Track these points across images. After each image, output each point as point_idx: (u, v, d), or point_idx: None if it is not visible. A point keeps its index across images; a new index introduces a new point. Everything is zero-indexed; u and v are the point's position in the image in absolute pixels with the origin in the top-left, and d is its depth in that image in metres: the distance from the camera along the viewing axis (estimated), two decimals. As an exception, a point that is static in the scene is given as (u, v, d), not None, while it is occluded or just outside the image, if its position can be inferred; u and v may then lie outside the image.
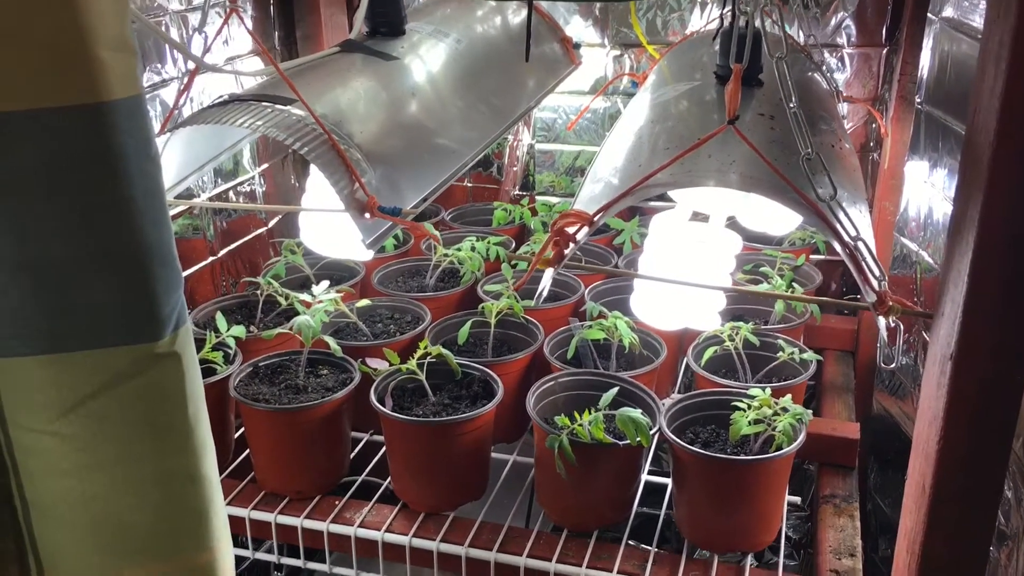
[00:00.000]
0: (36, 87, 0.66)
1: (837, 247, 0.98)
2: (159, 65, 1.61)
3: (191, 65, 1.60)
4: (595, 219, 1.04)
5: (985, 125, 0.73)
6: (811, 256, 1.87)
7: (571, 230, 1.04)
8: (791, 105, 0.99)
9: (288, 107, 1.16)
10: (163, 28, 1.59)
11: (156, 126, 1.33)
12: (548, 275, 1.08)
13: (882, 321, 0.97)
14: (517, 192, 2.26)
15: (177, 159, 1.31)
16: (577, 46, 1.88)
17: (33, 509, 0.78)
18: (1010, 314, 0.77)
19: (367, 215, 1.12)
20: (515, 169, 2.24)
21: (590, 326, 1.49)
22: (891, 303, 0.96)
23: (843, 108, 1.88)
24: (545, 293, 1.13)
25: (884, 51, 1.87)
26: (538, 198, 2.19)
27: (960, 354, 0.79)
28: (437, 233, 1.19)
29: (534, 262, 1.00)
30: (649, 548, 1.26)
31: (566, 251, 1.04)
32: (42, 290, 0.70)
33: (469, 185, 2.30)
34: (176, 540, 0.80)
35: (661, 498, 1.39)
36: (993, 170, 0.73)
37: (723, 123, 1.05)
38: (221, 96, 1.23)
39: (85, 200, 0.69)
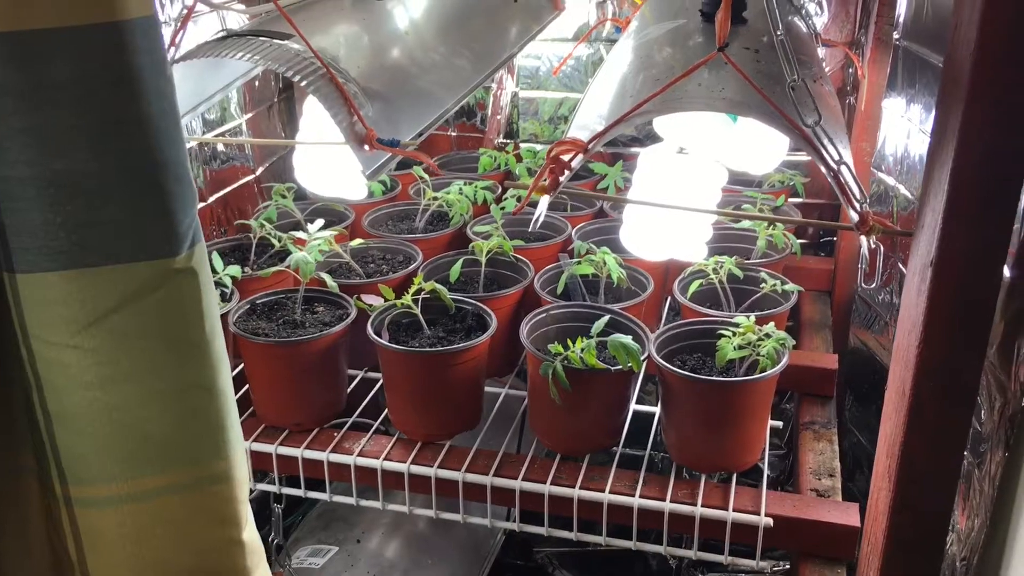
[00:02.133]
0: (60, 5, 0.68)
1: (823, 169, 1.02)
2: (147, 8, 1.61)
3: (187, 1, 1.60)
4: (589, 146, 1.07)
5: (966, 38, 0.77)
6: (789, 199, 1.91)
7: (566, 158, 1.08)
8: (778, 33, 1.03)
9: (286, 41, 1.18)
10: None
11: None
12: (544, 202, 1.11)
13: (864, 240, 1.02)
14: (501, 140, 2.28)
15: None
16: (561, -8, 1.90)
17: (56, 422, 0.80)
18: (988, 222, 0.82)
19: (366, 147, 1.14)
20: (499, 118, 2.26)
21: (579, 262, 1.53)
22: (872, 223, 1.02)
23: (821, 52, 1.92)
24: (541, 219, 1.17)
25: (861, -5, 1.91)
26: (522, 146, 2.21)
27: (940, 260, 0.83)
28: (432, 162, 1.21)
29: (531, 187, 1.04)
30: (638, 471, 1.31)
31: (561, 178, 1.07)
32: (67, 205, 0.73)
33: (453, 135, 2.32)
34: (195, 449, 0.84)
35: (646, 437, 1.44)
36: (973, 81, 0.77)
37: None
38: (219, 32, 1.24)
39: (107, 117, 0.72)
